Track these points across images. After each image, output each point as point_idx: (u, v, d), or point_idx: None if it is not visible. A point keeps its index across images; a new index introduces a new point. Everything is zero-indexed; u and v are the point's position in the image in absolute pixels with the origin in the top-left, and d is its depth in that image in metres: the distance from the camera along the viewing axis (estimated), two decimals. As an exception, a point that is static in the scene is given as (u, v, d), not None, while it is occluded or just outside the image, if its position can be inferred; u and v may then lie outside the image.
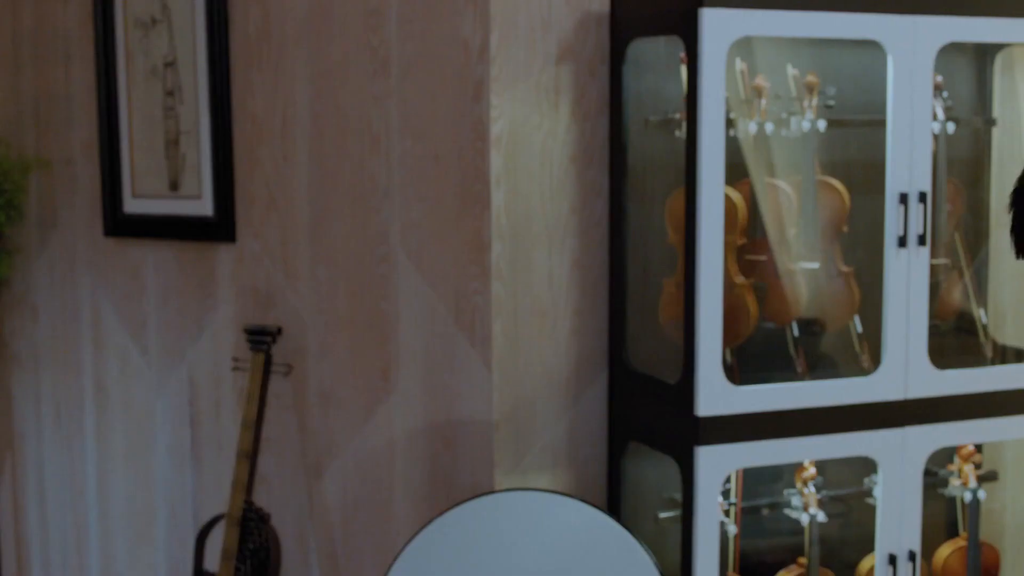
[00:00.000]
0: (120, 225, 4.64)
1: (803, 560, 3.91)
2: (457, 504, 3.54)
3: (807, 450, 3.61)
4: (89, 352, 4.88)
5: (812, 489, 3.84)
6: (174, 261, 4.53)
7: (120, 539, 4.87)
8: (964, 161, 4.15)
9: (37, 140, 4.95)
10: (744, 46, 3.69)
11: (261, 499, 4.24)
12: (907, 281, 3.60)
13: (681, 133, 3.53)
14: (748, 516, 3.94)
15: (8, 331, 5.15)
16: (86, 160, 4.76)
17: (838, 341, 3.93)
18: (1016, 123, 4.18)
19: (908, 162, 3.56)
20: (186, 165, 4.40)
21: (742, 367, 3.74)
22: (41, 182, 4.95)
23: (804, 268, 3.84)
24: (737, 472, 3.83)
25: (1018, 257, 2.36)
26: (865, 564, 3.91)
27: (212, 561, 4.27)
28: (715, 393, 3.44)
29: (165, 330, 4.60)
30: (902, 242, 3.57)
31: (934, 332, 3.78)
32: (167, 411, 4.63)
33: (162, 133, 4.46)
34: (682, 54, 3.50)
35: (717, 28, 3.33)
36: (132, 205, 4.60)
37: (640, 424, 3.75)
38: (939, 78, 3.81)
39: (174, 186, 4.45)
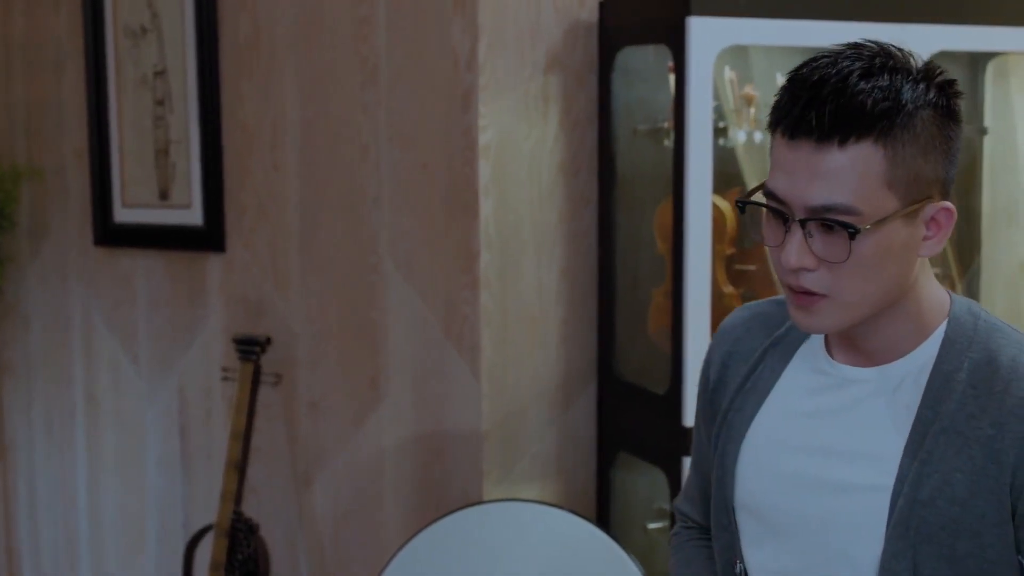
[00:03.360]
0: (110, 234, 4.63)
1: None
2: (446, 514, 3.53)
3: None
4: (80, 362, 4.87)
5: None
6: (164, 270, 4.52)
7: (111, 549, 4.86)
8: (956, 170, 4.13)
9: (28, 149, 4.94)
10: (733, 55, 3.68)
11: (250, 509, 4.23)
12: (897, 291, 3.58)
13: (670, 142, 3.52)
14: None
15: (0, 341, 5.14)
16: (77, 169, 4.75)
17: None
18: (1008, 132, 4.17)
19: (897, 171, 3.54)
20: (176, 174, 4.40)
21: (731, 377, 3.73)
22: (32, 191, 4.94)
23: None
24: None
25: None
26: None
27: (201, 572, 4.26)
28: (703, 403, 3.43)
29: (155, 340, 4.59)
30: (891, 251, 3.55)
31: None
32: (157, 421, 4.61)
33: (152, 142, 4.45)
34: (670, 63, 3.49)
35: (704, 37, 3.32)
36: (122, 214, 4.59)
37: (629, 434, 3.74)
38: (930, 87, 3.79)
39: (164, 195, 4.45)
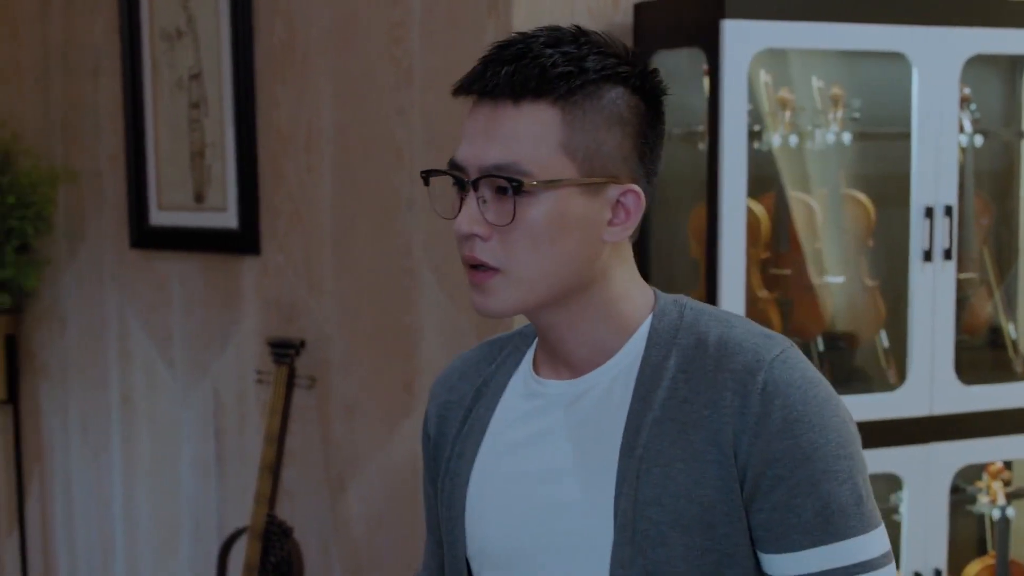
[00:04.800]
0: (146, 237, 4.65)
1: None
2: (478, 519, 3.52)
3: (831, 466, 3.57)
4: (116, 364, 4.88)
5: (837, 505, 3.79)
6: (199, 273, 4.52)
7: (145, 551, 4.87)
8: (994, 174, 4.10)
9: (65, 152, 4.97)
10: (769, 58, 3.66)
11: (284, 512, 4.23)
12: (933, 295, 3.56)
13: (704, 146, 3.50)
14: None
15: (37, 343, 5.16)
16: (113, 172, 4.77)
17: (864, 356, 3.89)
18: (1048, 136, 4.13)
19: (934, 175, 3.53)
20: (211, 177, 4.40)
21: (766, 382, 3.70)
22: (69, 194, 4.96)
23: (829, 282, 3.81)
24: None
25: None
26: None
27: (235, 574, 4.26)
28: (737, 408, 3.40)
29: (190, 342, 4.59)
30: (927, 256, 3.54)
31: (963, 347, 3.74)
32: (192, 424, 4.62)
33: (187, 145, 4.46)
34: (704, 66, 3.47)
35: (739, 40, 3.30)
36: (158, 217, 4.60)
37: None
38: (967, 90, 3.77)
39: (199, 198, 4.45)
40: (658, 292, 1.83)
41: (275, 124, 4.22)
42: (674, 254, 3.78)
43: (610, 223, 1.74)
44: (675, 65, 3.70)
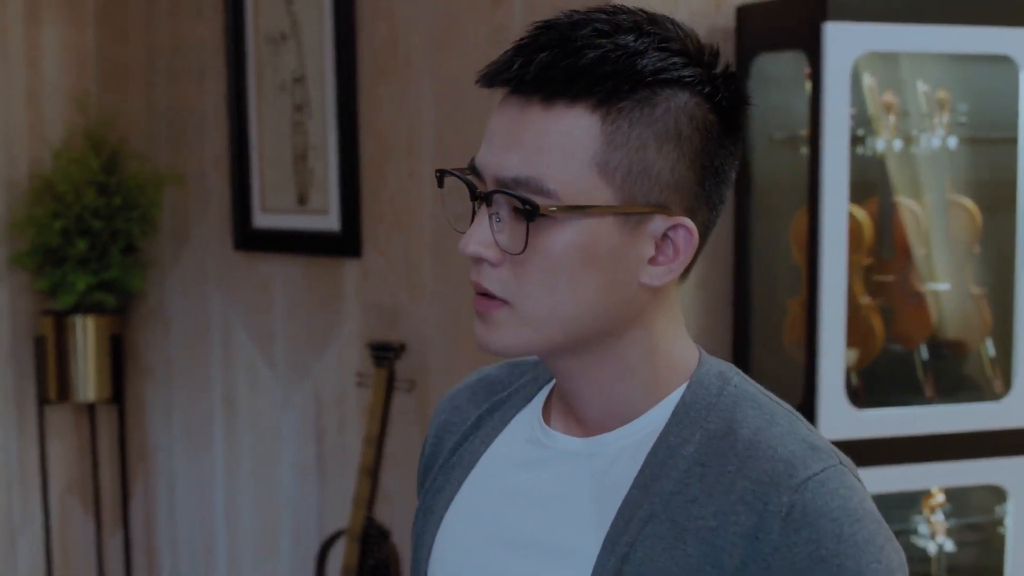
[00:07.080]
0: (249, 239, 4.67)
1: (931, 589, 3.81)
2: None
3: (934, 477, 3.52)
4: (219, 366, 4.91)
5: (940, 517, 3.74)
6: (301, 275, 4.54)
7: (246, 552, 4.90)
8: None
9: (170, 155, 5.01)
10: (873, 61, 3.61)
11: (383, 515, 4.23)
12: (1040, 304, 3.50)
13: (806, 150, 3.46)
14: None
15: (142, 344, 5.21)
16: (217, 174, 4.80)
17: (969, 365, 3.83)
18: None
19: (1042, 181, 3.47)
20: (314, 180, 4.42)
21: (868, 390, 3.65)
22: (174, 196, 5.00)
23: (934, 289, 3.75)
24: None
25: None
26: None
27: (333, 576, 4.28)
28: (838, 416, 3.36)
29: (292, 344, 4.61)
30: (1035, 263, 3.47)
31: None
32: (293, 426, 4.64)
33: (290, 148, 4.48)
34: (807, 69, 3.43)
35: (841, 43, 3.26)
36: (261, 219, 4.62)
37: (763, 447, 3.67)
38: (1077, 94, 3.70)
39: (302, 200, 4.47)
40: (704, 355, 1.50)
41: (377, 127, 4.22)
42: (776, 261, 3.74)
43: (652, 262, 1.41)
44: (777, 68, 3.66)
